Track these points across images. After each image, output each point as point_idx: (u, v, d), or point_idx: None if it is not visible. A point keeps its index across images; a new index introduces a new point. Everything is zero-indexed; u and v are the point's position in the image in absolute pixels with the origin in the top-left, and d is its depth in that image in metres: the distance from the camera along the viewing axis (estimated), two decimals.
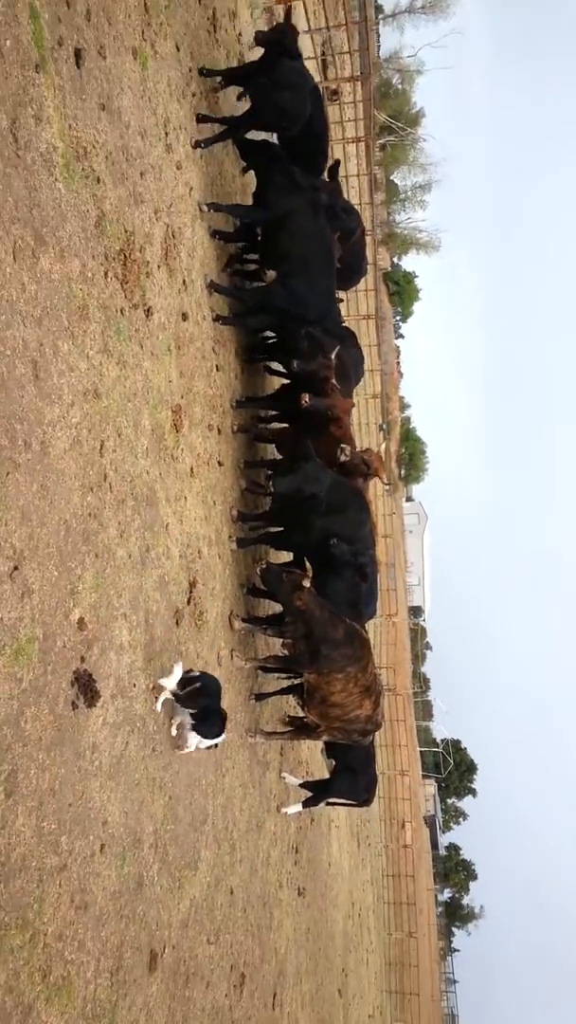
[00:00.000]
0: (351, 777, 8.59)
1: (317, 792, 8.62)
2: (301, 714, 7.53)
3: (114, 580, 4.32)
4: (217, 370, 6.69)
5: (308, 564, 6.83)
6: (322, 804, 8.96)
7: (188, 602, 5.59)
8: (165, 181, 5.52)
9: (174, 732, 5.00)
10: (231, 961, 6.21)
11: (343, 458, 7.01)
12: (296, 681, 7.31)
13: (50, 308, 3.77)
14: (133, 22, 5.08)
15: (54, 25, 3.98)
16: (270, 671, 7.47)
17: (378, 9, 50.66)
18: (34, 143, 3.72)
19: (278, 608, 6.95)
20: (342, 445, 7.02)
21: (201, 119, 6.46)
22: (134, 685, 4.50)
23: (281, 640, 6.88)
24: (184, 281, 5.86)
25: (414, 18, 52.59)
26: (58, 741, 3.60)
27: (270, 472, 7.57)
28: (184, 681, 4.95)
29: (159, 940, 4.68)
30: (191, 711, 5.00)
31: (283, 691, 7.72)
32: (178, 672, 4.91)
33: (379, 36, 51.89)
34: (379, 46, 51.78)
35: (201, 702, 5.04)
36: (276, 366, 8.14)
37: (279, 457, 7.79)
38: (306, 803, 8.57)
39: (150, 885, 4.58)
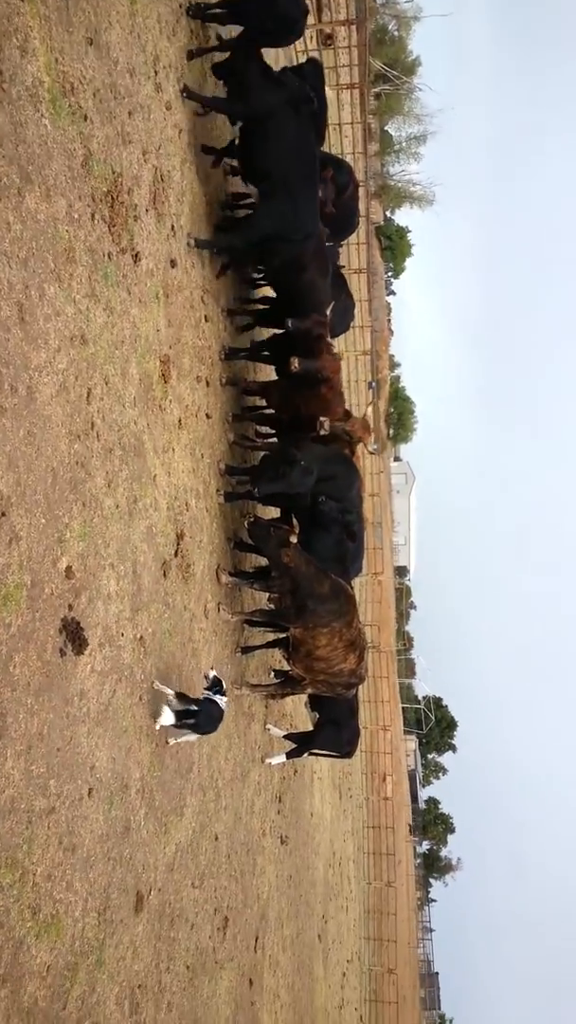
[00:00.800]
0: (334, 730, 8.73)
1: (301, 743, 8.76)
2: (287, 668, 7.62)
3: (102, 529, 4.30)
4: (206, 320, 6.59)
5: (296, 520, 6.84)
6: (305, 755, 9.11)
7: (176, 554, 5.58)
8: (154, 121, 5.37)
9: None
10: (215, 904, 6.36)
11: (322, 432, 6.99)
12: (282, 635, 7.36)
13: (36, 249, 3.68)
14: None
15: None
16: (256, 625, 7.52)
17: None
18: (19, 76, 3.59)
19: (265, 562, 6.97)
20: (320, 419, 6.98)
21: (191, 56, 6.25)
22: (122, 634, 4.52)
23: (267, 594, 6.92)
24: (173, 227, 5.74)
25: None
26: (46, 687, 3.62)
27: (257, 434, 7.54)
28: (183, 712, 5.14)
29: (145, 882, 4.78)
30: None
31: (269, 644, 7.78)
32: (168, 717, 5.00)
33: None
34: None
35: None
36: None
37: (266, 409, 7.74)
38: (290, 754, 8.71)
39: (137, 829, 4.66)
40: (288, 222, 6.61)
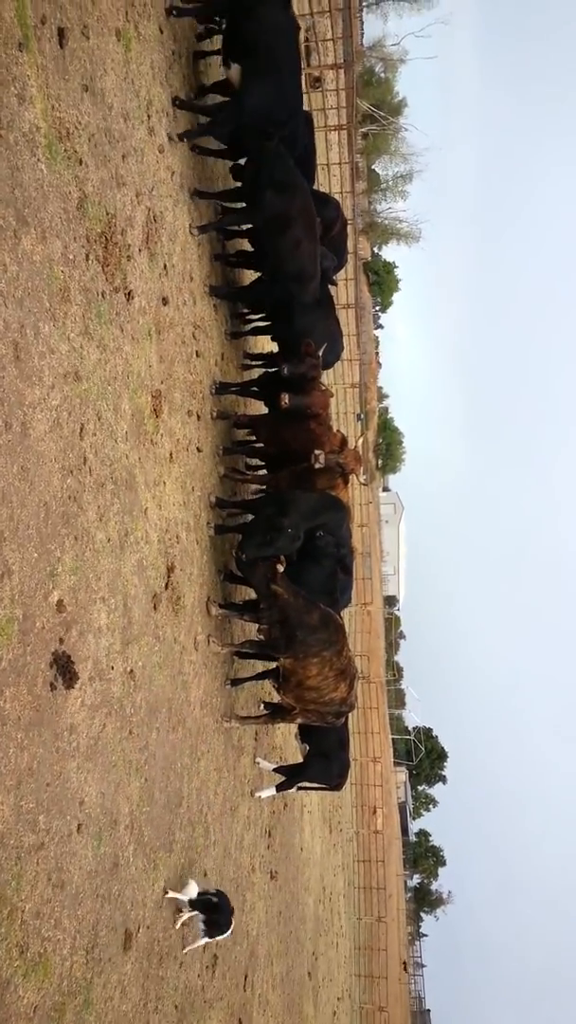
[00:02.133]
0: (324, 762, 8.69)
1: (290, 776, 8.71)
2: (276, 699, 7.61)
3: (93, 563, 4.33)
4: (197, 356, 6.69)
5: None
6: (295, 789, 9.05)
7: (166, 587, 5.61)
8: (147, 164, 5.50)
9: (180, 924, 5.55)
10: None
11: (317, 465, 7.07)
12: (272, 666, 7.37)
13: (31, 289, 3.76)
14: (117, 3, 5.04)
15: (37, 3, 3.95)
16: (246, 656, 7.52)
17: None
18: (17, 123, 3.70)
19: (254, 594, 7.00)
20: (316, 452, 7.06)
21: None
22: (112, 668, 4.53)
23: (257, 625, 6.94)
24: (165, 265, 5.85)
25: (398, 6, 52.42)
26: (36, 721, 3.63)
27: (248, 465, 7.59)
28: (201, 902, 5.62)
29: (134, 920, 4.74)
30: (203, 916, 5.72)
31: (259, 676, 7.78)
32: (193, 890, 5.53)
33: (363, 24, 51.59)
34: (363, 34, 51.48)
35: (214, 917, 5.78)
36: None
37: (256, 443, 7.82)
38: (280, 787, 8.66)
39: (125, 865, 4.63)
40: (272, 101, 6.51)
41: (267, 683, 8.12)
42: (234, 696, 7.62)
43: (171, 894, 5.34)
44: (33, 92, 3.87)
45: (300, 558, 7.03)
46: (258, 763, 8.54)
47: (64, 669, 3.90)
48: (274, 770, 8.75)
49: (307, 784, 9.18)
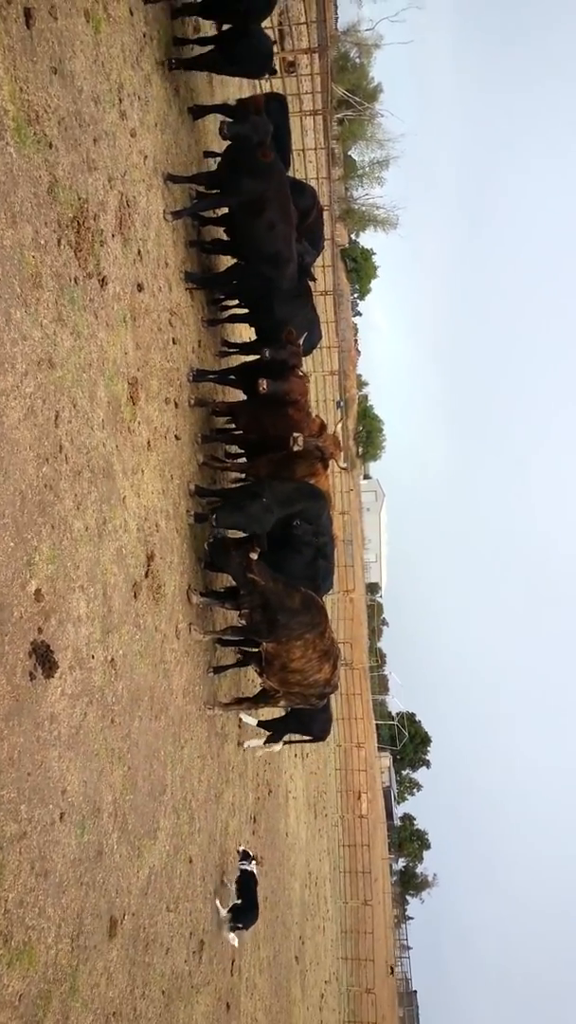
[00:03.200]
0: (308, 714, 8.71)
1: (276, 730, 8.73)
2: (253, 693, 7.66)
3: (71, 552, 4.31)
4: (174, 343, 6.65)
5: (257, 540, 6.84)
6: (281, 744, 9.09)
7: (146, 575, 5.59)
8: (119, 148, 5.43)
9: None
10: (190, 928, 6.31)
11: (295, 448, 7.05)
12: (253, 651, 7.38)
13: (2, 275, 3.71)
14: None
15: None
16: (229, 644, 7.52)
17: None
18: None
19: (234, 581, 7.00)
20: (294, 435, 7.04)
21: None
22: (92, 656, 4.51)
23: (238, 612, 6.94)
24: (139, 251, 5.80)
25: None
26: (16, 711, 3.61)
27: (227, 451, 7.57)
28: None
29: (119, 907, 4.74)
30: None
31: (241, 663, 7.79)
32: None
33: (337, 8, 51.27)
34: (337, 18, 51.15)
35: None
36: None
37: (235, 431, 7.80)
38: (267, 740, 8.68)
39: (109, 853, 4.63)
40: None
41: (249, 671, 8.14)
42: (217, 683, 7.62)
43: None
44: (0, 74, 3.81)
45: (279, 547, 7.03)
46: (241, 718, 8.52)
47: (43, 658, 3.88)
48: (258, 724, 8.75)
49: (294, 737, 9.30)
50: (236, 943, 7.42)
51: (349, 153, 55.28)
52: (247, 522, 6.76)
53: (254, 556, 6.46)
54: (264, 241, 7.10)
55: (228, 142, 6.72)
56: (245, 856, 7.61)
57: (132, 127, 5.75)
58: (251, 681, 8.68)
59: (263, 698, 7.46)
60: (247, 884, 7.42)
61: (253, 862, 7.62)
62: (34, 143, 4.11)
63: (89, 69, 4.93)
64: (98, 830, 4.48)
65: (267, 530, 6.85)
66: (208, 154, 8.03)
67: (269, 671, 6.98)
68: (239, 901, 7.25)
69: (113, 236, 5.25)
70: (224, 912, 7.10)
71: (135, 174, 5.78)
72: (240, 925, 7.31)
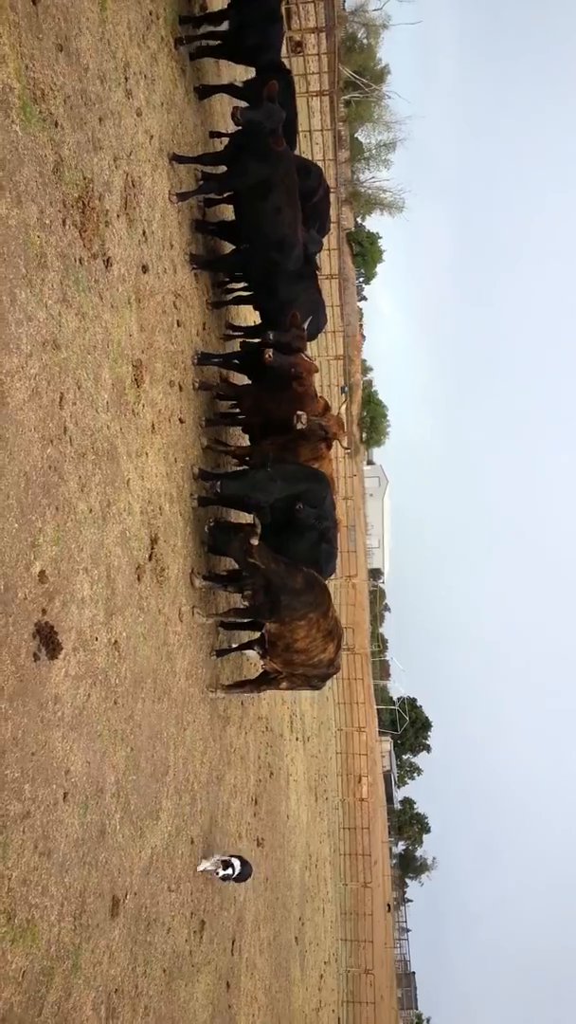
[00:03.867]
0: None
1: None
2: (252, 676, 7.64)
3: (75, 534, 4.31)
4: (178, 325, 6.62)
5: (258, 519, 6.79)
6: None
7: (150, 558, 5.60)
8: (125, 128, 5.39)
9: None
10: (191, 908, 6.37)
11: (299, 426, 7.02)
12: (256, 636, 7.37)
13: (7, 254, 3.69)
14: None
15: None
16: (232, 627, 7.53)
17: None
18: None
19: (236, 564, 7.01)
20: (298, 413, 7.01)
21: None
22: (96, 639, 4.52)
23: (241, 594, 6.94)
24: (144, 232, 5.76)
25: None
26: (20, 691, 3.62)
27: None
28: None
29: (121, 887, 4.78)
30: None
31: (244, 646, 7.80)
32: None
33: None
34: None
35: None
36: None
37: (239, 414, 7.78)
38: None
39: (112, 833, 4.66)
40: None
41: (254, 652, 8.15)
42: (219, 667, 7.65)
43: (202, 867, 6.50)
44: (6, 50, 3.77)
45: (282, 530, 7.02)
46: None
47: (47, 640, 3.89)
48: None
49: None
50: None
51: (356, 135, 54.77)
52: (251, 488, 6.75)
53: (255, 541, 6.46)
54: (270, 225, 7.05)
55: (239, 127, 6.67)
56: (227, 866, 6.87)
57: (138, 106, 5.69)
58: (253, 665, 8.71)
59: (265, 680, 7.48)
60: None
61: (232, 869, 6.88)
62: (39, 121, 4.08)
63: (95, 47, 4.88)
64: (101, 810, 4.51)
65: (271, 499, 6.82)
66: (214, 134, 7.97)
67: (272, 652, 6.98)
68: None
69: (118, 217, 5.21)
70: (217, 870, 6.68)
71: (141, 154, 5.73)
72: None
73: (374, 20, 51.42)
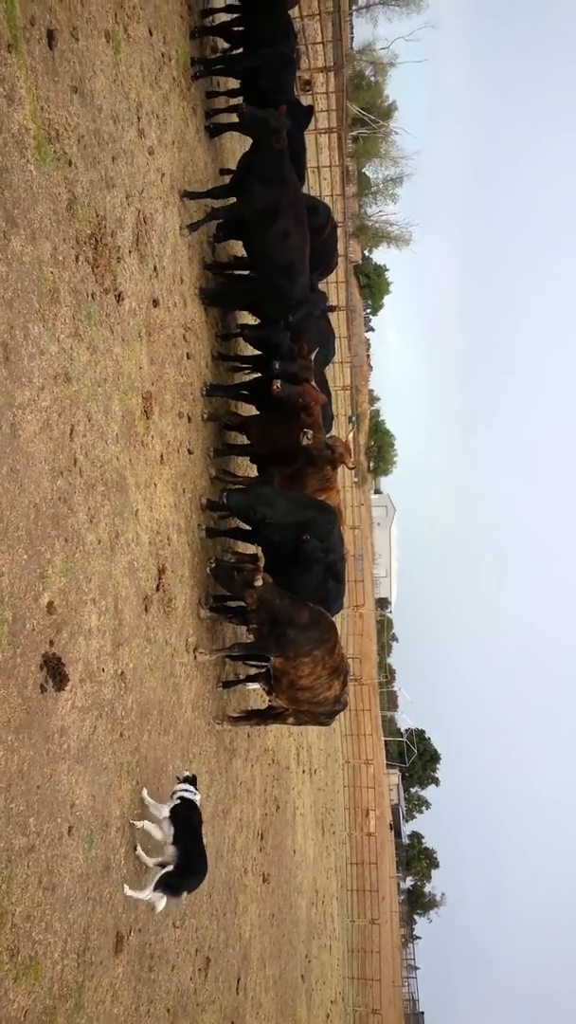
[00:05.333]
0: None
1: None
2: (259, 707, 7.55)
3: (83, 565, 4.32)
4: (188, 358, 6.69)
5: (260, 555, 6.77)
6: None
7: (157, 588, 5.60)
8: (137, 166, 5.50)
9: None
10: (196, 945, 6.27)
11: (306, 442, 7.02)
12: (263, 667, 7.32)
13: (21, 290, 3.75)
14: (106, 4, 5.04)
15: (26, 4, 3.95)
16: (237, 659, 7.49)
17: (352, 0, 50.55)
18: (6, 124, 3.70)
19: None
20: (305, 429, 7.02)
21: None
22: (103, 670, 4.52)
23: (247, 627, 6.90)
24: (155, 267, 5.85)
25: (387, 10, 52.56)
26: (27, 724, 3.61)
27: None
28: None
29: (125, 923, 4.71)
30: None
31: (250, 679, 7.75)
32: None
33: (352, 28, 51.80)
34: (352, 38, 51.68)
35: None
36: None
37: (248, 445, 7.82)
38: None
39: (117, 868, 4.61)
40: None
41: (259, 686, 8.10)
42: (226, 698, 7.60)
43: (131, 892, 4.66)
44: (22, 93, 3.87)
45: (288, 565, 6.99)
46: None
47: (54, 671, 3.89)
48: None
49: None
50: (161, 906, 4.83)
51: (363, 170, 55.66)
52: (256, 500, 6.73)
53: (258, 582, 6.40)
54: (277, 249, 7.13)
55: (243, 130, 6.82)
56: (188, 781, 5.31)
57: (150, 145, 5.81)
58: (260, 696, 8.65)
59: (271, 714, 7.41)
60: (187, 822, 5.07)
61: (196, 792, 5.27)
62: (54, 161, 4.17)
63: (109, 88, 5.01)
64: (106, 844, 4.47)
65: (276, 516, 6.78)
66: (224, 171, 8.11)
67: (277, 688, 6.92)
68: (173, 848, 4.91)
69: (130, 252, 5.30)
70: (150, 862, 4.83)
71: (152, 191, 5.84)
72: (174, 882, 4.84)
73: (381, 59, 52.58)
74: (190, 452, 6.62)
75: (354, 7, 50.97)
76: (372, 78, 52.35)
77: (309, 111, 8.23)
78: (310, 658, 6.66)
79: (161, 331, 5.95)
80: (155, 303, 5.81)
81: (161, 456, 5.84)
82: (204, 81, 7.50)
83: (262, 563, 6.60)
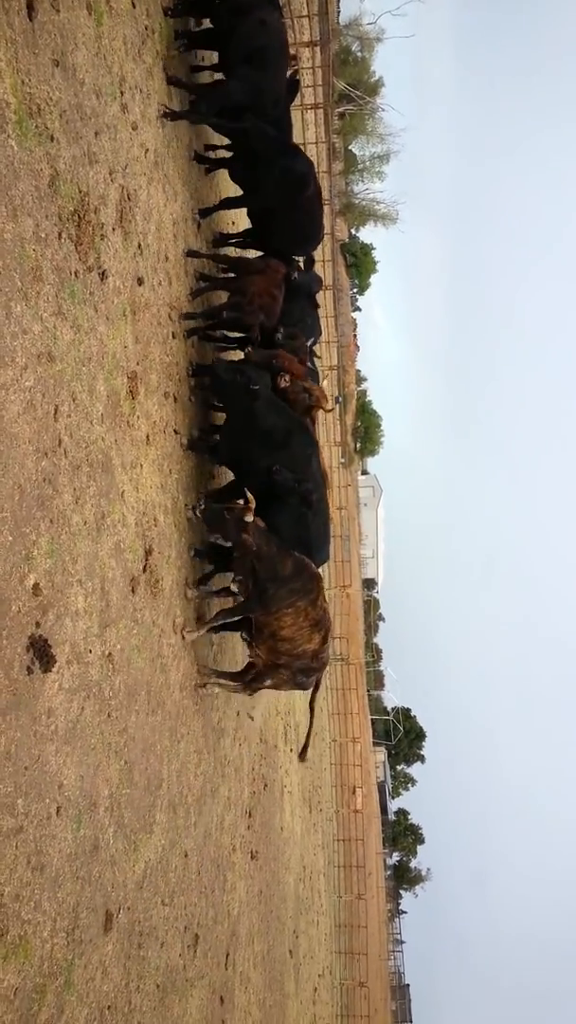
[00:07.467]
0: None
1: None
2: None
3: (69, 546, 4.30)
4: (173, 337, 6.63)
5: (249, 495, 6.65)
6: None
7: (144, 569, 5.59)
8: (120, 141, 5.41)
9: None
10: (185, 922, 6.33)
11: (283, 384, 6.96)
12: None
13: (2, 268, 3.69)
14: None
15: None
16: (221, 629, 7.29)
17: None
18: None
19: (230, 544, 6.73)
20: (282, 372, 6.96)
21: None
22: (90, 651, 4.51)
23: (232, 579, 6.72)
24: (139, 245, 5.78)
25: None
26: (14, 705, 3.61)
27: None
28: None
29: (114, 901, 4.75)
30: None
31: (232, 627, 7.53)
32: None
33: (339, 2, 51.08)
34: (339, 12, 50.95)
35: None
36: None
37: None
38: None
39: (105, 848, 4.64)
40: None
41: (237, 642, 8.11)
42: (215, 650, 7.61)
43: None
44: (2, 66, 3.78)
45: (264, 501, 6.79)
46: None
47: (41, 653, 3.88)
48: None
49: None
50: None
51: (350, 147, 55.15)
52: (242, 372, 6.70)
53: (249, 518, 6.30)
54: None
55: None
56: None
57: (133, 120, 5.72)
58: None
59: (248, 674, 7.24)
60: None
61: None
62: (35, 136, 4.09)
63: (91, 62, 4.91)
64: (94, 824, 4.49)
65: (262, 383, 6.75)
66: (208, 148, 8.00)
67: (258, 638, 6.79)
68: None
69: (114, 230, 5.23)
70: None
71: (136, 167, 5.75)
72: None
73: (368, 33, 51.95)
74: (176, 432, 6.58)
75: None
76: (359, 53, 51.75)
77: (295, 84, 8.12)
78: (292, 609, 6.54)
79: (146, 309, 5.89)
80: (140, 281, 5.74)
81: (147, 436, 5.80)
82: (189, 55, 7.38)
83: (252, 504, 6.44)
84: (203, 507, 6.55)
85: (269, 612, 6.56)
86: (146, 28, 6.18)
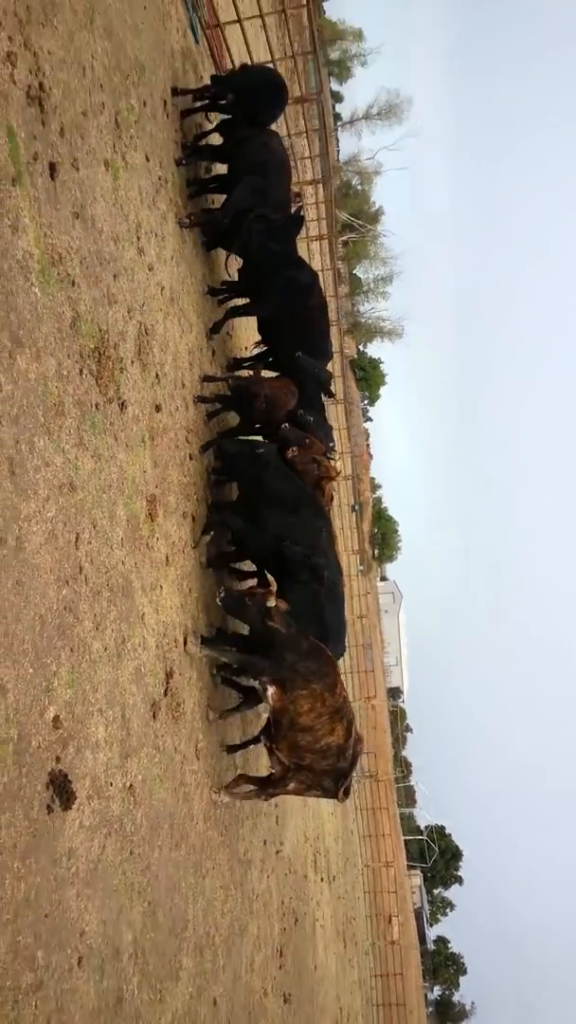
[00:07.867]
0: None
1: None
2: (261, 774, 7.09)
3: (90, 674, 4.25)
4: (190, 459, 6.78)
5: (271, 578, 6.43)
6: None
7: (165, 693, 5.49)
8: (137, 282, 5.72)
9: None
10: None
11: (290, 456, 6.96)
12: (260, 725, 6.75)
13: (26, 406, 3.83)
14: (104, 136, 5.36)
15: (30, 142, 4.19)
16: (231, 684, 6.98)
17: (337, 117, 53.98)
18: (10, 251, 3.86)
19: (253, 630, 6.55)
20: (292, 447, 7.01)
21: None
22: (111, 784, 4.37)
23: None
24: (157, 374, 6.00)
25: (371, 124, 56.06)
26: (33, 848, 3.47)
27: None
28: None
29: None
30: None
31: (252, 741, 7.24)
32: None
33: (338, 141, 55.11)
34: (338, 150, 54.93)
35: None
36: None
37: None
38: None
39: (130, 999, 4.34)
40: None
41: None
42: (236, 803, 7.33)
43: None
44: (26, 222, 4.06)
45: (278, 579, 6.66)
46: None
47: (61, 789, 3.77)
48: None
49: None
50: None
51: (354, 271, 58.06)
52: (248, 446, 6.71)
53: (272, 603, 6.15)
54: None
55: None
56: None
57: (149, 262, 6.06)
58: (258, 757, 8.34)
59: (270, 781, 6.79)
60: None
61: None
62: (57, 282, 4.33)
63: (108, 212, 5.26)
64: (118, 974, 4.22)
65: (270, 454, 6.80)
66: (224, 283, 8.43)
67: (278, 733, 6.33)
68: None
69: (132, 362, 5.45)
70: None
71: (153, 304, 6.05)
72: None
73: (366, 168, 55.67)
74: (195, 550, 6.62)
75: (339, 123, 54.35)
76: (358, 187, 55.35)
77: (300, 219, 8.61)
78: (308, 691, 6.18)
79: (164, 434, 6.05)
80: (157, 408, 5.93)
81: (166, 557, 5.83)
82: (201, 199, 7.89)
83: (274, 586, 6.26)
84: (223, 594, 6.43)
85: (284, 691, 6.19)
86: (159, 178, 6.64)
